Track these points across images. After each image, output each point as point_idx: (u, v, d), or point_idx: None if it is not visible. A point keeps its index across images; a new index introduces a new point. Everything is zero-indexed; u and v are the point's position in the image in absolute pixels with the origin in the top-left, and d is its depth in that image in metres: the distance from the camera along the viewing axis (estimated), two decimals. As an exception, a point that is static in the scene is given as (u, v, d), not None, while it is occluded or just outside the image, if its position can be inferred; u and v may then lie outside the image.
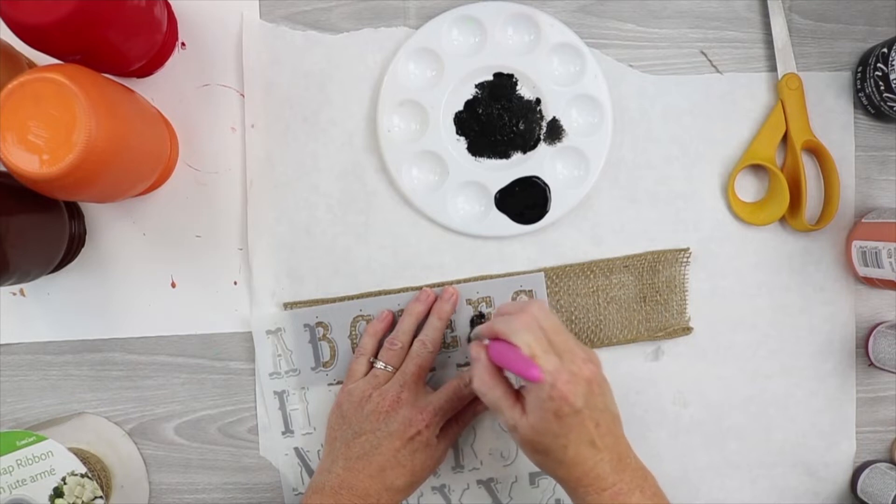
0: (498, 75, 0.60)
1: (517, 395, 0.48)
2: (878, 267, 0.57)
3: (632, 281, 0.61)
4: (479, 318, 0.60)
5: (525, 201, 0.60)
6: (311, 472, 0.61)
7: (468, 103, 0.60)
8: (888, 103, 0.57)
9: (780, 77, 0.60)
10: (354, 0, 0.60)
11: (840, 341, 0.62)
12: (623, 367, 0.62)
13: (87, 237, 0.60)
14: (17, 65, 0.53)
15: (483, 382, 0.49)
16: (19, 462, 0.55)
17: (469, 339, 0.60)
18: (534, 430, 0.46)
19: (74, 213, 0.59)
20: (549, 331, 0.47)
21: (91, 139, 0.45)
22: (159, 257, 0.60)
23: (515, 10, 0.59)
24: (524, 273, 0.60)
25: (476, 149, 0.60)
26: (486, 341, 0.50)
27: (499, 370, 0.49)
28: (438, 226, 0.61)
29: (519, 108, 0.60)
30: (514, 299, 0.60)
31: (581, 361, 0.47)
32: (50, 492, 0.56)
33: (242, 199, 0.60)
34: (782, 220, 0.61)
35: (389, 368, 0.56)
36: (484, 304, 0.60)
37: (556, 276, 0.61)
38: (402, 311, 0.60)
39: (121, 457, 0.61)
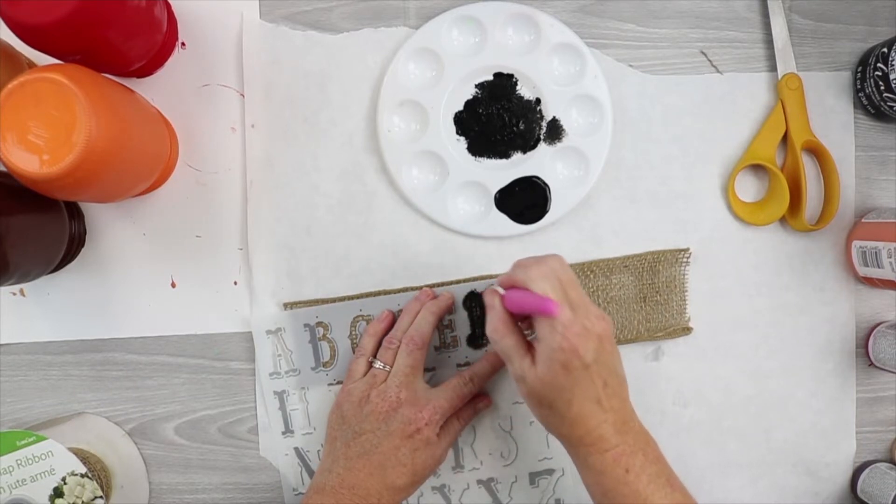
0: (498, 75, 0.60)
1: (529, 346, 0.48)
2: (878, 267, 0.57)
3: (632, 281, 0.61)
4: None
5: (525, 201, 0.60)
6: (311, 472, 0.61)
7: (468, 103, 0.60)
8: (888, 103, 0.57)
9: (780, 77, 0.60)
10: (354, 0, 0.60)
11: (840, 341, 0.62)
12: (623, 367, 0.62)
13: (87, 237, 0.60)
14: (17, 65, 0.53)
15: (496, 330, 0.49)
16: (19, 462, 0.55)
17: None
18: (541, 382, 0.46)
19: (74, 213, 0.59)
20: (565, 283, 0.47)
21: (91, 139, 0.45)
22: (159, 257, 0.60)
23: (515, 10, 0.59)
24: (524, 273, 0.60)
25: (476, 149, 0.60)
26: (502, 291, 0.50)
27: (512, 320, 0.49)
28: (438, 226, 0.60)
29: (519, 108, 0.60)
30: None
31: (594, 317, 0.47)
32: (50, 492, 0.56)
33: (242, 199, 0.60)
34: (782, 220, 0.61)
35: (388, 368, 0.56)
36: (484, 304, 0.60)
37: (556, 276, 0.61)
38: (401, 311, 0.59)
39: (121, 457, 0.61)
